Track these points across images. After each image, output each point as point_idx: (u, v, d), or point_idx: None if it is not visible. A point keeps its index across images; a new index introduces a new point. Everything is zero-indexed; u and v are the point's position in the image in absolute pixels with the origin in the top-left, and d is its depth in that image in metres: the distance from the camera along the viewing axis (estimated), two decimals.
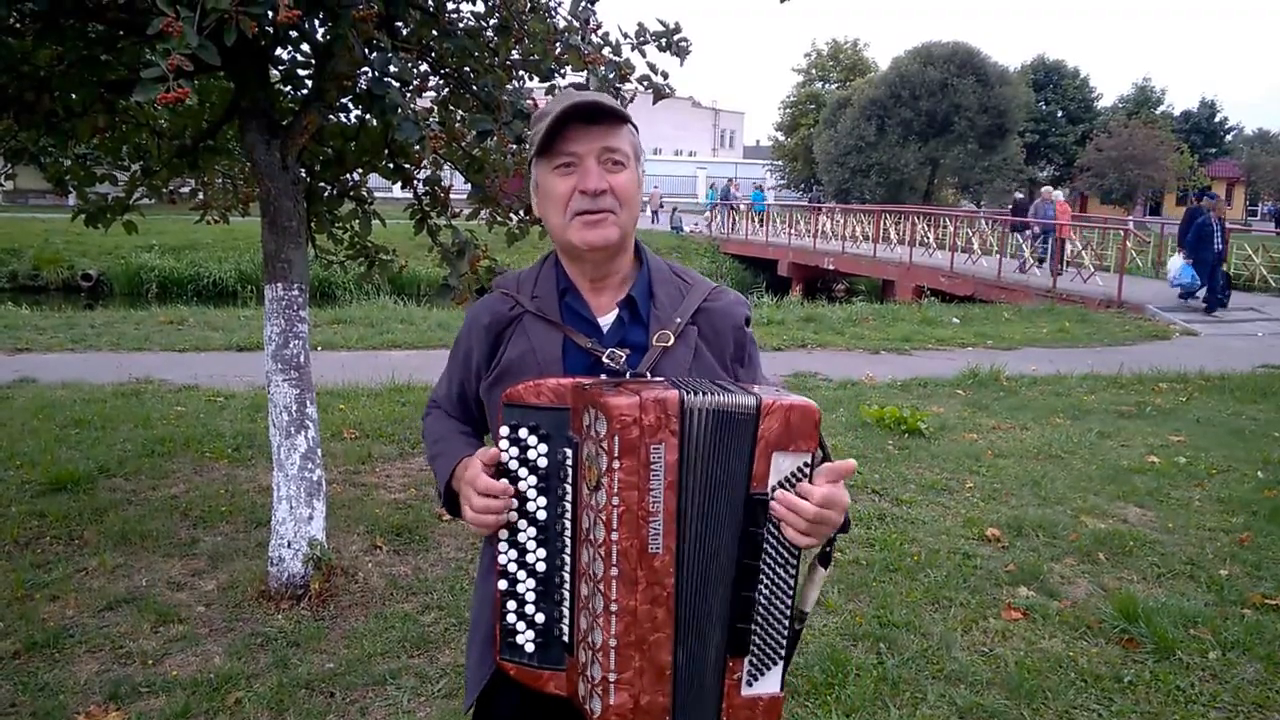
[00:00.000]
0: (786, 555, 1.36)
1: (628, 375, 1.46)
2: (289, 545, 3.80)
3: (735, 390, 1.35)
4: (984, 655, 3.55)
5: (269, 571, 3.85)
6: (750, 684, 1.37)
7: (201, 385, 7.76)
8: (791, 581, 1.37)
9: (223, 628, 3.61)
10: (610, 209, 1.47)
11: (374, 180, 4.76)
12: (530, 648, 1.43)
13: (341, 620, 3.70)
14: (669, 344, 1.51)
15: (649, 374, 1.47)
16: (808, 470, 1.35)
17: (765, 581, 1.35)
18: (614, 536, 1.29)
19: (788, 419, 1.32)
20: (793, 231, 26.48)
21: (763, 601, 1.35)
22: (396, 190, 4.74)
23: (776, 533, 1.34)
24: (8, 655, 3.33)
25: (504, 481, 1.41)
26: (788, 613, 1.38)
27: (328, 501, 4.02)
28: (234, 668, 3.29)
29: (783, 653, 1.39)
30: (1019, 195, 26.91)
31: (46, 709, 2.99)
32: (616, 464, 1.27)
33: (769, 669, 1.38)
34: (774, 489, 1.33)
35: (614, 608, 1.29)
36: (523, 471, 1.41)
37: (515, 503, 1.42)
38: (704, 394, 1.33)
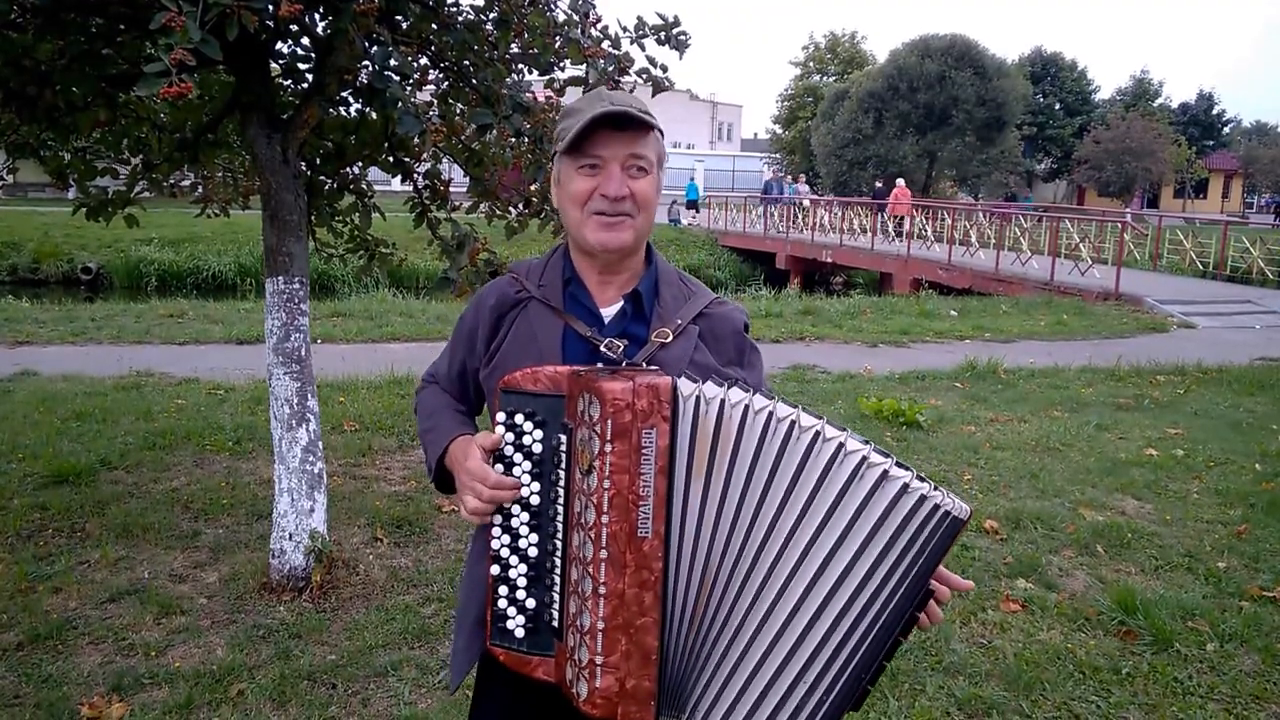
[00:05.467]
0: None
1: (624, 365, 1.47)
2: (290, 537, 3.82)
3: (947, 496, 1.33)
4: (982, 647, 3.58)
5: (270, 564, 3.87)
6: None
7: (202, 378, 7.77)
8: None
9: (225, 619, 3.63)
10: (628, 213, 1.50)
11: (374, 174, 4.76)
12: (520, 633, 1.44)
13: (343, 612, 3.72)
14: (668, 340, 1.53)
15: (644, 365, 1.48)
16: None
17: None
18: (604, 519, 1.29)
19: (965, 524, 1.37)
20: (791, 224, 26.45)
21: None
22: (396, 184, 4.75)
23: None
24: (11, 647, 3.35)
25: (500, 466, 1.44)
26: None
27: (328, 494, 4.03)
28: (236, 659, 3.30)
29: None
30: (879, 185, 30.60)
31: (50, 700, 3.00)
32: (609, 447, 1.28)
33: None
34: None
35: (602, 590, 1.30)
36: (518, 457, 1.43)
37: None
38: (732, 388, 1.34)
